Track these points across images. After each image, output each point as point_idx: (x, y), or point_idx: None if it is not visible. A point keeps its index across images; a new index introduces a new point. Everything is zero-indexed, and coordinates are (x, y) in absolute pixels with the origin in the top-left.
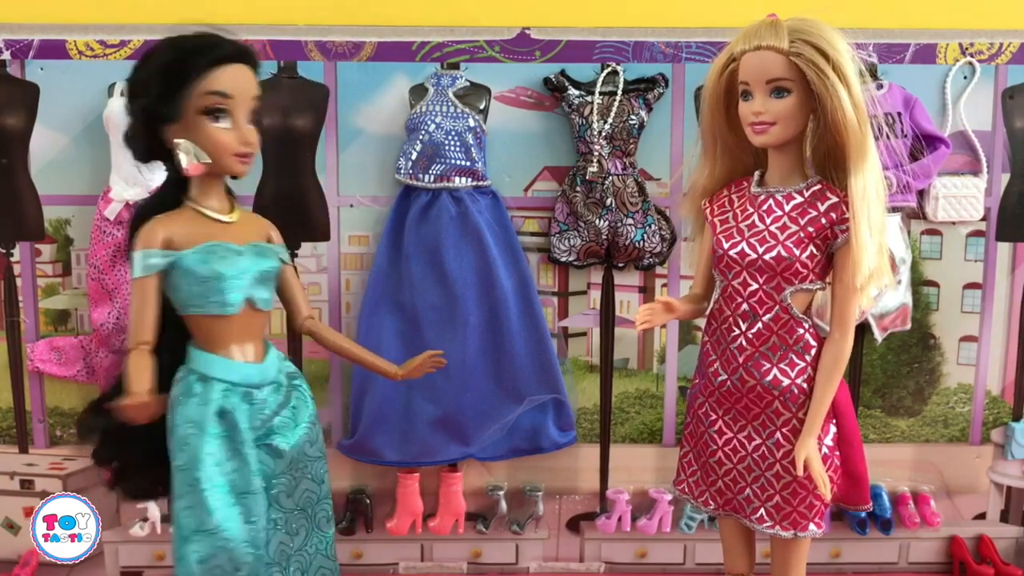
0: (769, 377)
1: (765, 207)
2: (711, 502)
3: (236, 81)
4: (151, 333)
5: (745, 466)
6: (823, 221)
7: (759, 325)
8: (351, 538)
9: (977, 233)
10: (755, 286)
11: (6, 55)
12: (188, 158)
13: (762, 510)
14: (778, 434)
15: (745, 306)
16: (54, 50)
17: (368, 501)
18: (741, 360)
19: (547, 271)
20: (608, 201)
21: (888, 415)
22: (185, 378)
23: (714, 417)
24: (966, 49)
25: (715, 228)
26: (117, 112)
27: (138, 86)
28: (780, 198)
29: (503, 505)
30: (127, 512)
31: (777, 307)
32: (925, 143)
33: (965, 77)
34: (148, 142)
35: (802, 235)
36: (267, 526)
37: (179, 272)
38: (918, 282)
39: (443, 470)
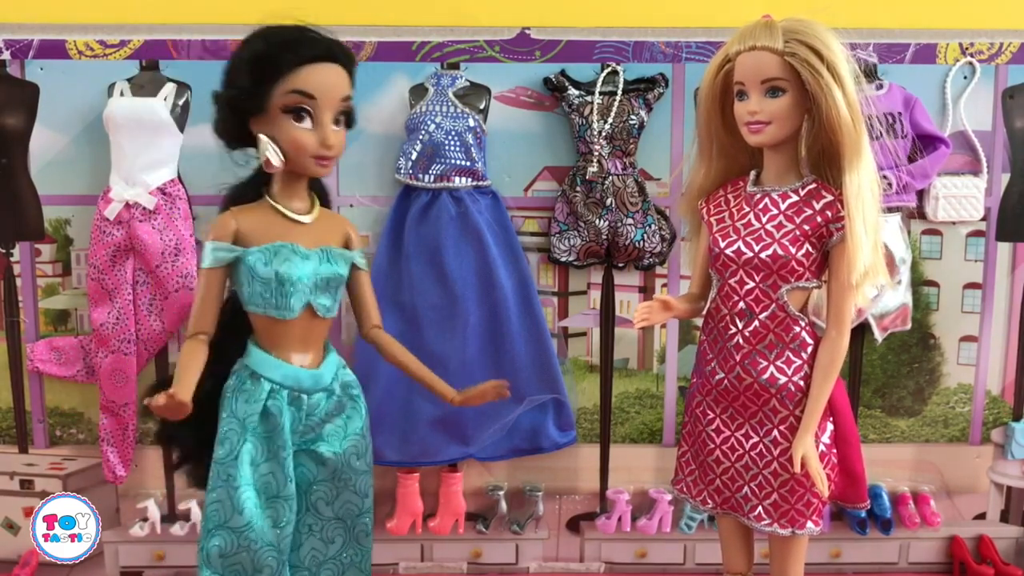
0: (766, 375)
1: (761, 206)
2: (709, 501)
3: (322, 81)
4: (210, 324)
5: (743, 464)
6: (818, 219)
7: (756, 323)
8: None
9: (977, 233)
10: (751, 284)
11: (6, 55)
12: (267, 155)
13: (760, 508)
14: (775, 432)
15: (742, 304)
16: (54, 50)
17: None
18: (738, 358)
19: (547, 271)
20: (608, 201)
21: (888, 415)
22: (239, 372)
23: (712, 416)
24: (966, 49)
25: (711, 227)
26: (117, 112)
27: (229, 74)
28: (776, 197)
29: (503, 505)
30: (127, 512)
31: (773, 305)
32: (925, 143)
33: (965, 77)
34: (236, 131)
35: (797, 233)
36: (302, 530)
37: (244, 268)
38: (918, 282)
39: (443, 470)
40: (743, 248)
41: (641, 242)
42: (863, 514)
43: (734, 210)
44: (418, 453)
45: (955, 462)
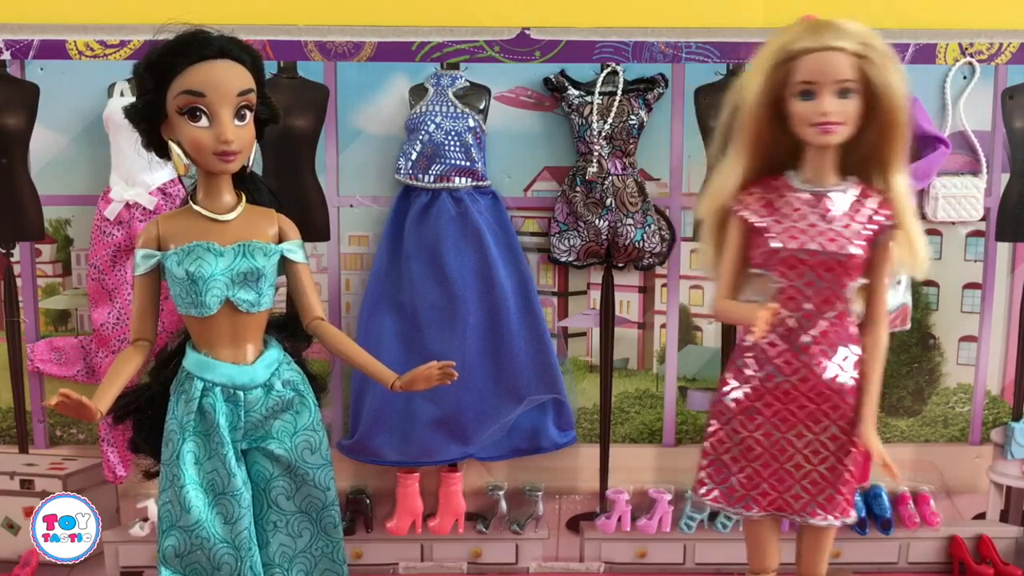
0: (829, 374)
1: (823, 206)
2: (754, 506)
3: (211, 78)
4: (148, 330)
5: (793, 464)
6: (878, 218)
7: (823, 324)
8: (351, 538)
9: (977, 233)
10: (821, 284)
11: (6, 55)
12: (174, 159)
13: (813, 504)
14: (833, 428)
15: (809, 305)
16: (54, 50)
17: (368, 501)
18: (805, 360)
19: (547, 271)
20: (608, 201)
21: (888, 415)
22: (178, 375)
23: (760, 420)
24: (966, 49)
25: (768, 228)
26: (117, 112)
27: (135, 87)
28: (836, 196)
29: (503, 505)
30: (127, 512)
31: (841, 304)
32: (925, 143)
33: (965, 77)
34: (152, 140)
35: (865, 231)
36: (267, 528)
37: (165, 272)
38: (918, 282)
39: (443, 470)
40: (816, 248)
41: (641, 242)
42: (863, 514)
43: (788, 210)
44: (418, 453)
45: (955, 462)
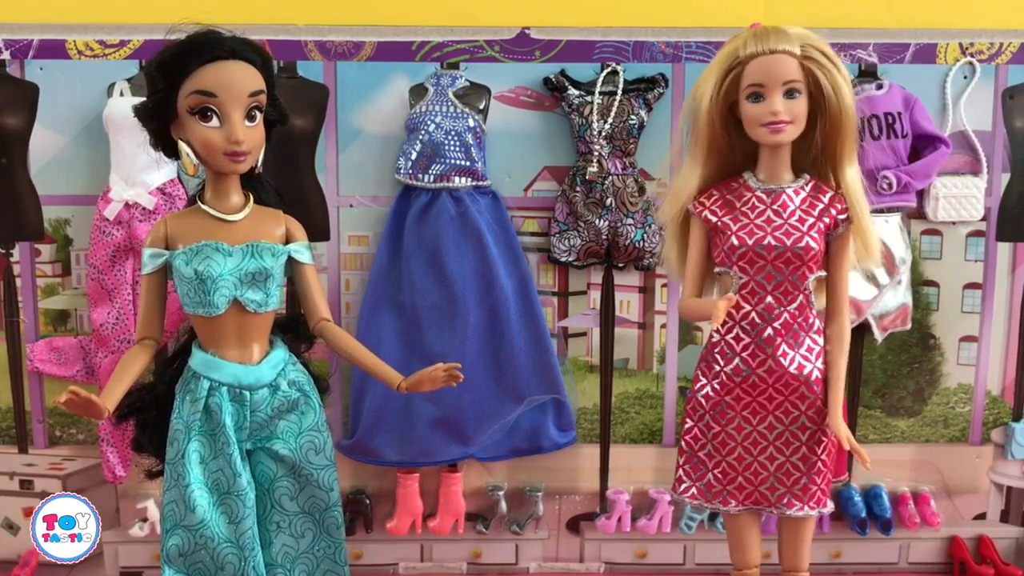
0: (795, 365)
1: (779, 203)
2: (731, 500)
3: (223, 79)
4: (155, 329)
5: (767, 456)
6: (832, 212)
7: (785, 315)
8: (351, 538)
9: (977, 233)
10: (780, 278)
11: (6, 55)
12: (183, 159)
13: (788, 495)
14: (803, 418)
15: (770, 299)
16: (54, 50)
17: (368, 501)
18: (770, 351)
19: (547, 271)
20: (608, 201)
21: (888, 415)
22: (184, 374)
23: (731, 414)
24: (966, 49)
25: (727, 227)
26: (117, 112)
27: (146, 85)
28: (791, 193)
29: (503, 505)
30: (127, 512)
31: (801, 296)
32: (925, 143)
33: (965, 77)
34: (161, 140)
35: (820, 225)
36: (270, 528)
37: (173, 271)
38: (918, 282)
39: (443, 470)
40: (773, 242)
41: (641, 242)
42: (863, 514)
43: (746, 209)
44: (418, 453)
45: (955, 462)
